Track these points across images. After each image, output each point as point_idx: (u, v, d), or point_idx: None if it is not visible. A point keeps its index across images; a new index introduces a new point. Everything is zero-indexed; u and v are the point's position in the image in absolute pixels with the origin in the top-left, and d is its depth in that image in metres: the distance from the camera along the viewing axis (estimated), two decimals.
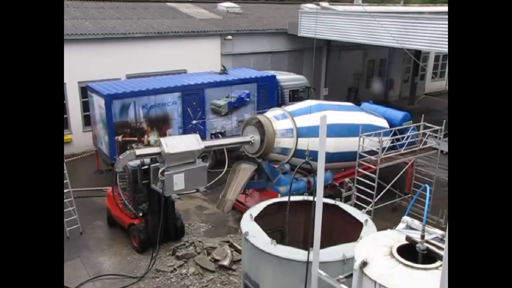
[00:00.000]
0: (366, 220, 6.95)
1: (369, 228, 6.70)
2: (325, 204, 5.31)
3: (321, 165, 4.96)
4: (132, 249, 10.77)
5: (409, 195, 12.92)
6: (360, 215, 7.22)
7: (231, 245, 10.45)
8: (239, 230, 7.82)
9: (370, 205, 11.36)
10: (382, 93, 26.78)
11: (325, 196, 5.47)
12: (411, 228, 5.52)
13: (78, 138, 17.08)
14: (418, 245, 4.82)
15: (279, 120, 11.55)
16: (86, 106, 16.21)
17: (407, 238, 4.99)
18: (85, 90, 15.60)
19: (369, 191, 11.55)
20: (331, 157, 10.04)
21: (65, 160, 11.57)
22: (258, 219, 7.08)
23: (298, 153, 11.20)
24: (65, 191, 11.19)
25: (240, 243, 9.91)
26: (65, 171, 11.22)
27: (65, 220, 11.19)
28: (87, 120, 16.39)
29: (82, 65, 16.53)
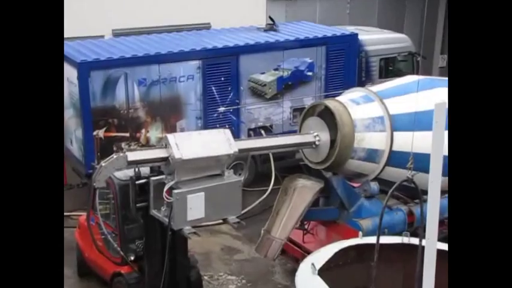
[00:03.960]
0: None
1: None
2: (439, 252, 5.42)
3: (435, 184, 4.89)
4: None
5: None
6: None
7: None
8: None
9: None
10: None
11: (440, 238, 5.62)
12: None
13: None
14: None
15: (360, 104, 11.59)
16: None
17: None
18: None
19: None
20: None
21: None
22: (325, 272, 7.23)
23: (395, 159, 11.15)
24: None
25: None
26: None
27: None
28: None
29: None
